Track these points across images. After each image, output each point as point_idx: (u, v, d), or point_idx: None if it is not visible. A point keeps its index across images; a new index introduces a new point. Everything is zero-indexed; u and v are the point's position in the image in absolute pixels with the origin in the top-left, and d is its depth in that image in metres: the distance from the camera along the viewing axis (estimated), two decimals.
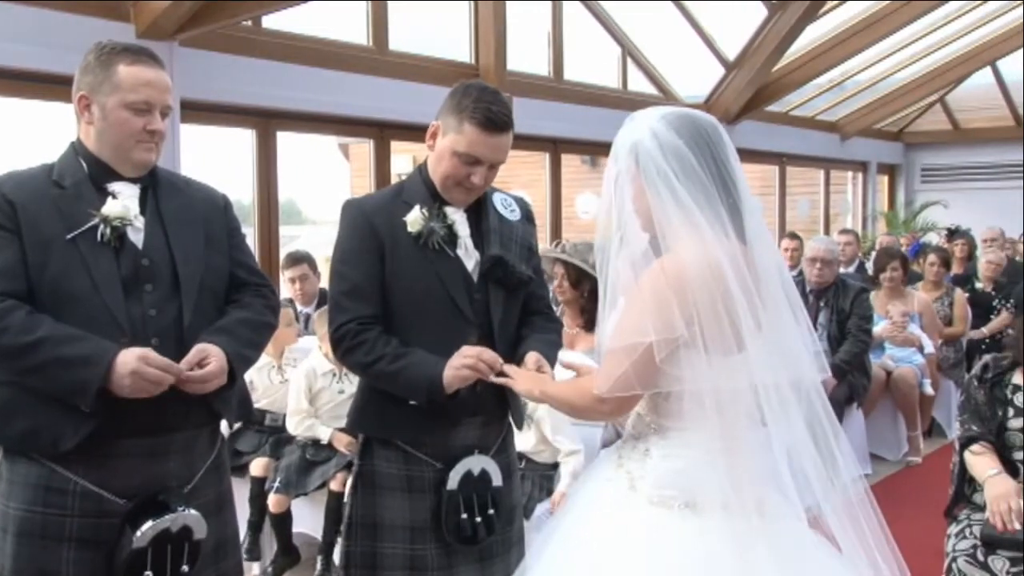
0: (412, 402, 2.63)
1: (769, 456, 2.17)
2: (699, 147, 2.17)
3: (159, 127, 2.48)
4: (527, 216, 2.89)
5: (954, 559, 3.35)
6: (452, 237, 2.70)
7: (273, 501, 4.71)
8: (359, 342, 2.63)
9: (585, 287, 4.42)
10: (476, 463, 2.73)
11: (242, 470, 4.85)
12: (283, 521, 4.77)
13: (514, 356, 2.67)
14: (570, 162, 10.38)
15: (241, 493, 4.61)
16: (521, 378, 2.54)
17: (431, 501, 2.71)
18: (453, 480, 2.69)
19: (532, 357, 2.62)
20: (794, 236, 9.15)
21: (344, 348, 2.66)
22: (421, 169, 2.78)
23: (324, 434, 4.76)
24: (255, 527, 4.83)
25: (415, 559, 2.71)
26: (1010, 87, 13.50)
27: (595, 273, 4.24)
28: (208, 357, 2.39)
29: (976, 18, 11.66)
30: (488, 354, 2.56)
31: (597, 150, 10.02)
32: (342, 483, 4.57)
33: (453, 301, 2.66)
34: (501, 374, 2.56)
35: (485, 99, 2.63)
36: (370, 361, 2.62)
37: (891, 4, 9.95)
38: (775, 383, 2.15)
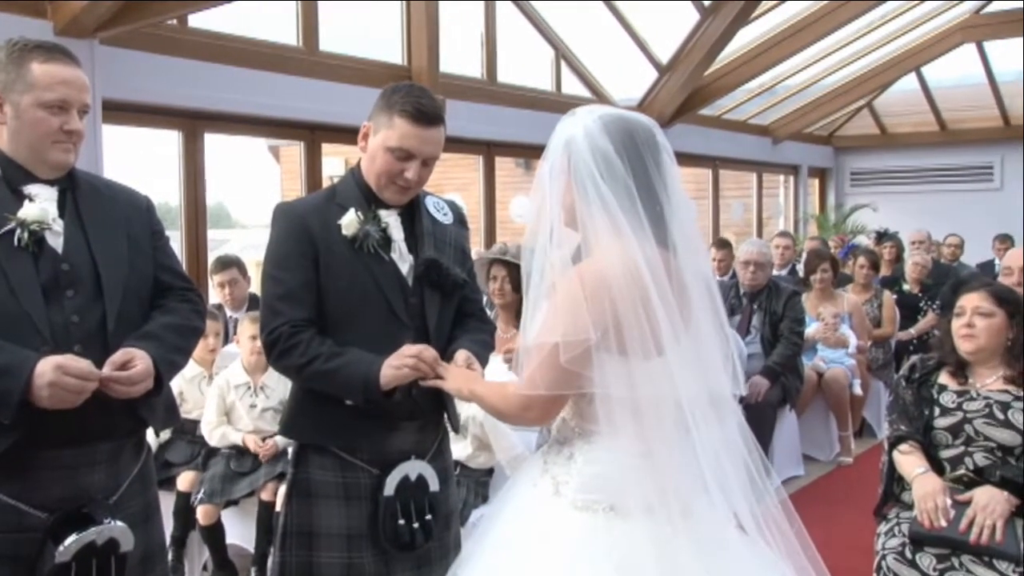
0: (348, 402, 2.62)
1: (693, 459, 2.20)
2: (627, 151, 2.19)
3: (77, 127, 2.42)
4: (459, 219, 2.91)
5: (883, 557, 3.42)
6: (386, 240, 2.70)
7: (202, 512, 4.63)
8: (292, 344, 2.61)
9: None
10: (413, 468, 2.73)
11: (170, 483, 4.76)
12: (215, 533, 4.68)
13: (446, 355, 2.68)
14: (504, 165, 10.39)
15: (167, 506, 4.53)
16: (452, 376, 2.55)
17: (368, 508, 2.70)
18: (390, 486, 2.69)
19: (462, 355, 2.63)
20: (723, 244, 9.18)
21: (278, 351, 2.64)
22: (354, 172, 2.78)
23: (236, 437, 4.71)
24: (179, 543, 4.74)
25: (352, 567, 2.70)
26: (934, 93, 13.82)
27: None
28: (134, 360, 2.34)
29: (900, 25, 11.94)
30: (429, 352, 2.56)
31: (531, 153, 10.03)
32: (273, 493, 4.52)
33: (389, 304, 2.66)
34: (435, 376, 2.57)
35: (415, 94, 2.66)
36: (304, 362, 2.60)
37: (820, 10, 10.14)
38: (695, 390, 2.19)
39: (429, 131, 2.66)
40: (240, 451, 4.71)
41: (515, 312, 4.56)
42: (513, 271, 4.50)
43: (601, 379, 2.13)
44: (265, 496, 4.57)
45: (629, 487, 2.16)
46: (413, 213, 2.79)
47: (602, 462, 2.20)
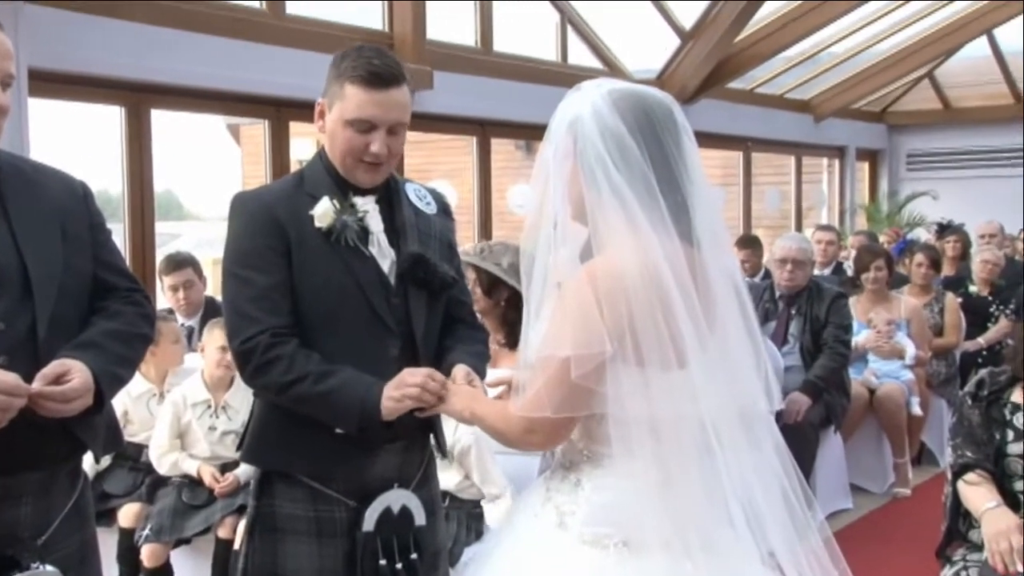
0: (338, 430, 2.62)
1: (718, 488, 2.20)
2: (643, 132, 2.21)
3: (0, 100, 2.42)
4: (444, 210, 2.95)
5: None
6: (364, 233, 2.71)
7: (147, 553, 4.62)
8: (273, 358, 2.60)
9: (501, 295, 4.45)
10: (396, 499, 2.74)
11: (108, 516, 4.75)
12: None
13: (440, 368, 2.69)
14: (501, 147, 10.40)
15: (109, 546, 4.52)
16: (454, 397, 2.55)
17: (344, 546, 2.71)
18: (369, 520, 2.70)
19: (461, 370, 2.65)
20: (748, 243, 9.12)
21: (254, 365, 2.63)
22: (322, 155, 2.80)
23: (190, 467, 4.70)
24: None
25: None
26: (1008, 60, 13.76)
27: (507, 278, 4.31)
28: (69, 372, 2.33)
29: None
30: (434, 382, 2.56)
31: (532, 133, 10.02)
32: (232, 529, 4.51)
33: (371, 306, 2.68)
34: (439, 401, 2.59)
35: (364, 55, 2.69)
36: (289, 381, 2.60)
37: None
38: (722, 407, 2.19)
39: (387, 94, 2.67)
40: (193, 480, 4.71)
41: (497, 320, 4.60)
42: (482, 275, 4.53)
43: (616, 396, 2.14)
44: (222, 533, 4.56)
45: (645, 519, 2.17)
46: (392, 201, 2.80)
47: (614, 490, 2.21)
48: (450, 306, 2.88)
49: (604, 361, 2.13)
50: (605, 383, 2.14)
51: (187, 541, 4.69)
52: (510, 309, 4.37)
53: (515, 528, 2.35)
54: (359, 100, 2.65)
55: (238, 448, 2.98)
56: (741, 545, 2.22)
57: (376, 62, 2.66)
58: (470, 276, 4.58)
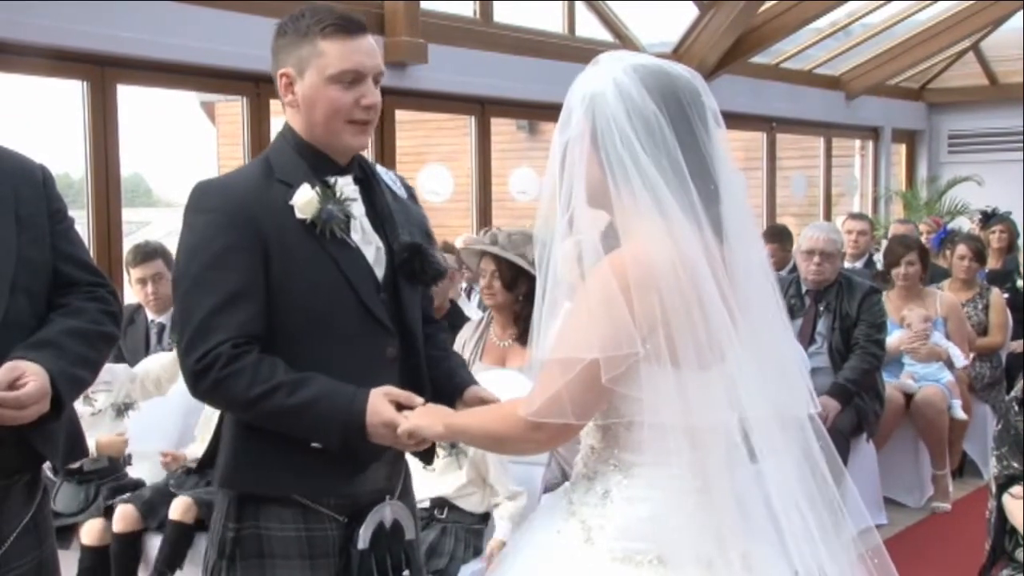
0: (315, 445, 2.61)
1: (760, 499, 2.20)
2: (672, 114, 2.21)
3: None
4: (412, 195, 2.97)
5: None
6: (347, 220, 2.69)
7: (119, 515, 4.58)
8: (236, 370, 2.54)
9: (521, 289, 4.49)
10: (387, 512, 2.76)
11: (65, 536, 4.64)
12: (128, 551, 4.62)
13: (443, 386, 2.76)
14: (502, 128, 10.38)
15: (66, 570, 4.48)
16: (414, 415, 2.52)
17: (335, 565, 2.72)
18: (364, 537, 2.70)
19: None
20: (775, 235, 9.10)
21: (212, 380, 2.54)
22: (286, 136, 2.76)
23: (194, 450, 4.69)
24: None
25: None
26: None
27: (533, 271, 4.34)
28: (24, 375, 2.32)
29: None
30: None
31: (536, 112, 10.03)
32: (186, 512, 4.47)
33: (363, 304, 2.67)
34: None
35: (319, 11, 2.71)
36: (258, 394, 2.53)
37: None
38: (757, 410, 2.20)
39: (366, 40, 2.71)
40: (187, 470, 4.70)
41: (512, 315, 4.61)
42: (504, 266, 4.54)
43: (652, 400, 2.15)
44: (175, 515, 4.50)
45: (682, 532, 2.18)
46: (370, 183, 2.81)
47: (647, 501, 2.21)
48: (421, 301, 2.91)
49: (637, 362, 2.13)
50: (638, 387, 2.15)
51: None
52: (528, 304, 4.40)
53: (533, 546, 2.34)
54: (340, 51, 2.65)
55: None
56: (782, 564, 2.22)
57: (339, 12, 2.70)
58: (488, 267, 4.61)
